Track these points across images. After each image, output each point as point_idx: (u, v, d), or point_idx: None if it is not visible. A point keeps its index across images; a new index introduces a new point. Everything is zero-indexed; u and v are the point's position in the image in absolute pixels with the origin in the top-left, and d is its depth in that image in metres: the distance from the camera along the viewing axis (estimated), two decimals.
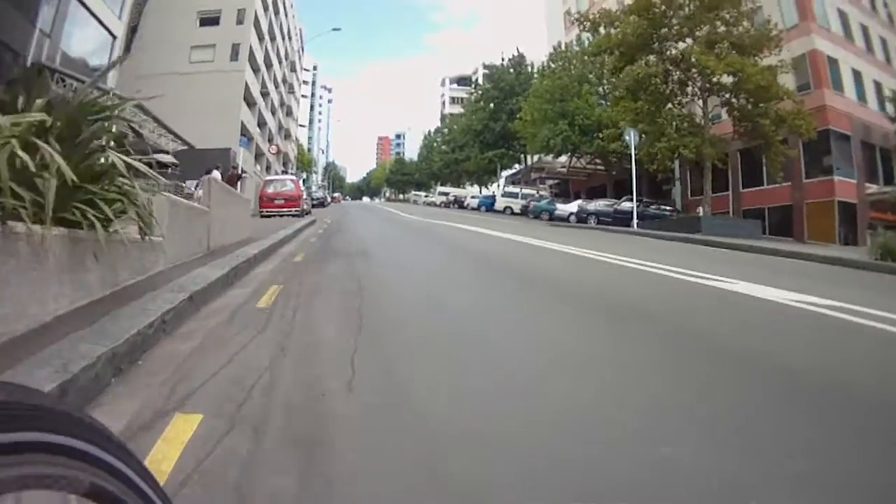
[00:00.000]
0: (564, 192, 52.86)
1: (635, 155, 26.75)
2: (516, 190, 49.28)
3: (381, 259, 11.14)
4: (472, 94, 61.90)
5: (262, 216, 26.54)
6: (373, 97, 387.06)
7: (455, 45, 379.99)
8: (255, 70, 56.09)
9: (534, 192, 48.65)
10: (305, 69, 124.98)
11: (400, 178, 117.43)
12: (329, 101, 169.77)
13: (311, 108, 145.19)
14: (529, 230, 23.74)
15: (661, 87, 28.72)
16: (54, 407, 0.84)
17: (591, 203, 35.15)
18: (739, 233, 23.57)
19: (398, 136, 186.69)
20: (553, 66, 40.55)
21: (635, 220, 26.55)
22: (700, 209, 29.81)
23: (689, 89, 28.76)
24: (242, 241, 11.81)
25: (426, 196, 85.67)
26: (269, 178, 26.28)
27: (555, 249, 14.01)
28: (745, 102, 27.46)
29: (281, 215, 26.45)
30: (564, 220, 36.09)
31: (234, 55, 51.89)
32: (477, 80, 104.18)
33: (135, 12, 26.44)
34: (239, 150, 28.37)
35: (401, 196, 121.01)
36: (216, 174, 21.46)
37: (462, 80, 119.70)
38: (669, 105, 29.10)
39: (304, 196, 36.01)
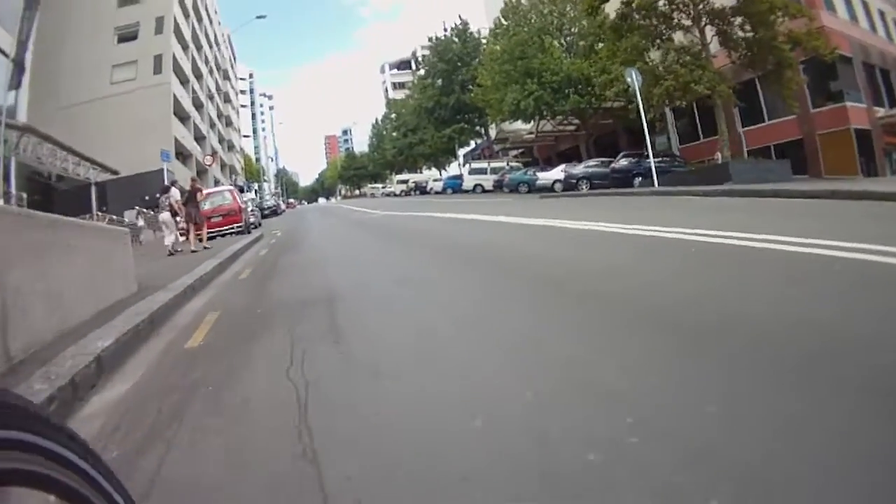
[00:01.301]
0: (532, 161, 48.51)
1: (641, 98, 22.44)
2: (484, 165, 44.93)
3: (362, 313, 5.66)
4: (417, 70, 56.99)
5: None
6: (313, 100, 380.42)
7: (385, 35, 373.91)
8: (184, 82, 50.90)
9: (503, 164, 44.27)
10: (241, 78, 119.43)
11: (353, 174, 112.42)
12: (271, 108, 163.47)
13: (253, 116, 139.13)
14: (519, 207, 20.14)
15: (649, 19, 24.43)
16: (29, 408, 0.86)
17: (577, 166, 30.86)
18: (770, 176, 19.88)
19: (345, 133, 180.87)
20: (506, 23, 35.92)
21: (654, 178, 22.25)
22: (718, 155, 25.80)
23: (678, 20, 24.44)
24: (111, 307, 6.69)
25: (383, 187, 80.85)
26: (207, 191, 21.58)
27: (585, 229, 10.07)
28: (745, 27, 23.37)
29: (221, 234, 21.99)
30: (548, 189, 31.90)
31: (158, 68, 46.78)
32: (418, 59, 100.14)
33: (20, 48, 21.57)
34: (164, 165, 23.18)
35: (356, 191, 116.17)
36: (174, 192, 17.74)
37: (402, 65, 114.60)
38: (664, 38, 24.86)
39: (251, 208, 31.18)
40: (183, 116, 48.91)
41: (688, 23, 24.44)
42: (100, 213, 29.63)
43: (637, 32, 24.93)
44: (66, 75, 43.33)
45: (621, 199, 19.31)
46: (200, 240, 17.70)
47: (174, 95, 46.35)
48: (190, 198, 17.52)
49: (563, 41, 33.89)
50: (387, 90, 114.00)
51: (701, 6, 23.65)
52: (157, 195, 18.73)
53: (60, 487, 0.83)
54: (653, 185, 22.26)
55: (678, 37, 25.42)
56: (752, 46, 23.52)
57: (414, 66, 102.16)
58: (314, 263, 10.76)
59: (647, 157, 23.20)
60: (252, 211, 33.30)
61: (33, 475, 0.79)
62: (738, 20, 23.64)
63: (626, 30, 25.24)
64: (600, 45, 32.77)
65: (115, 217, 33.77)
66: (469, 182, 43.51)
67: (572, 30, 34.25)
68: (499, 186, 39.16)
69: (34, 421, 0.84)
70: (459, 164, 68.39)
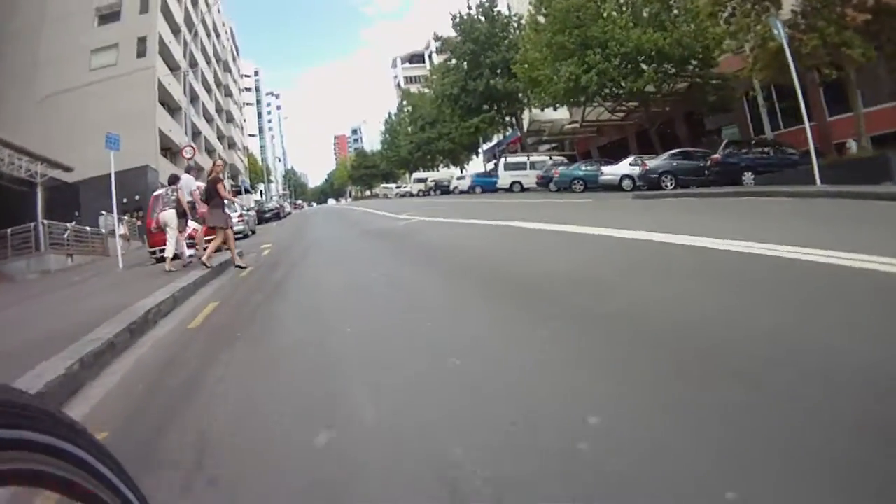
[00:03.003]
0: (570, 157, 41.36)
1: (793, 57, 15.35)
2: (522, 158, 37.57)
3: None
4: (433, 61, 49.76)
5: (157, 260, 15.11)
6: (321, 100, 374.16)
7: (391, 34, 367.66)
8: (174, 69, 43.88)
9: (543, 158, 37.11)
10: (246, 75, 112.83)
11: (364, 173, 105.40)
12: (278, 108, 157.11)
13: (259, 115, 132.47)
14: (612, 212, 13.75)
15: None
16: (41, 407, 0.85)
17: (656, 159, 23.68)
18: None
19: (354, 132, 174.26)
20: None
21: (816, 173, 15.28)
22: (851, 144, 18.92)
23: None
24: None
25: (398, 187, 73.64)
26: (157, 192, 14.70)
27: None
28: None
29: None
30: (615, 188, 24.93)
31: (142, 51, 39.94)
32: (432, 52, 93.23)
33: None
34: (111, 154, 16.17)
35: (367, 192, 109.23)
36: (187, 180, 12.63)
37: (415, 58, 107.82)
38: None
39: (238, 213, 24.03)
40: (173, 108, 42.03)
41: None
42: (45, 222, 22.76)
43: None
44: (42, 64, 36.99)
45: (768, 204, 12.39)
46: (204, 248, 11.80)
47: (160, 82, 39.43)
48: (210, 192, 11.25)
49: (623, 8, 26.64)
50: (399, 84, 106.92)
51: None
52: (166, 188, 12.95)
53: (71, 487, 0.81)
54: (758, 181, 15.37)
55: None
56: None
57: (427, 59, 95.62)
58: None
59: (769, 146, 16.14)
60: (245, 216, 26.25)
61: (42, 475, 0.76)
62: None
63: None
64: (674, 12, 25.82)
65: (85, 227, 27.58)
66: (505, 179, 36.27)
67: None
68: (544, 184, 32.06)
69: (42, 419, 0.81)
70: (483, 160, 61.49)
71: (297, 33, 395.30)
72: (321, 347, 4.27)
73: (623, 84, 25.83)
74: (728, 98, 26.94)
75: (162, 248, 14.93)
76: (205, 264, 10.69)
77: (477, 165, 62.16)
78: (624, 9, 26.10)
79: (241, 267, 10.96)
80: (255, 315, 6.02)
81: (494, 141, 58.38)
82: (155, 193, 16.27)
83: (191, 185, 12.36)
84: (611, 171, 25.78)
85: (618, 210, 14.39)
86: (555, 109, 36.99)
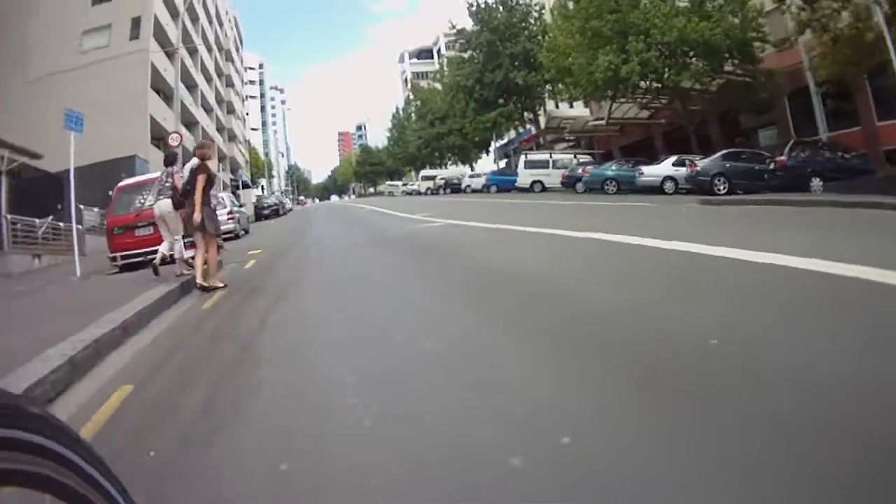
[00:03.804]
0: (590, 155, 38.36)
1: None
2: (544, 156, 34.55)
3: None
4: (456, 42, 46.57)
5: (120, 268, 12.13)
6: (326, 97, 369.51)
7: (399, 32, 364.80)
8: (171, 54, 40.73)
9: (568, 156, 34.09)
10: (251, 67, 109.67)
11: (369, 170, 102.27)
12: (283, 103, 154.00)
13: (263, 109, 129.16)
14: (684, 221, 11.31)
15: None
16: (29, 408, 0.83)
17: (706, 159, 20.62)
18: None
19: (359, 129, 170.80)
20: None
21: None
22: None
23: None
24: None
25: (404, 185, 70.39)
26: (124, 182, 11.72)
27: None
28: None
29: (145, 259, 11.70)
30: (655, 190, 22.04)
31: (136, 32, 36.90)
32: (440, 48, 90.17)
33: None
34: (72, 135, 13.09)
35: (371, 190, 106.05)
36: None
37: (423, 53, 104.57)
38: None
39: (227, 210, 20.87)
40: (168, 95, 38.87)
41: None
42: (7, 217, 19.67)
43: None
44: (32, 45, 34.03)
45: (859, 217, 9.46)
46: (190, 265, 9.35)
47: (155, 67, 36.35)
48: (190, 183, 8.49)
49: None
50: (406, 80, 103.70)
51: None
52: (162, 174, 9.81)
53: (61, 488, 0.80)
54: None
55: None
56: None
57: (436, 55, 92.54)
58: None
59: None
60: (235, 214, 22.98)
61: (33, 476, 0.76)
62: None
63: None
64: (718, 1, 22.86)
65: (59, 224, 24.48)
66: (525, 178, 33.21)
67: None
68: (570, 184, 29.06)
69: (33, 420, 0.80)
70: (495, 158, 58.38)
71: (303, 29, 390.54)
72: None
73: (668, 76, 22.77)
74: (776, 96, 23.93)
75: (126, 252, 12.02)
76: (204, 287, 8.08)
77: (486, 164, 59.16)
78: None
79: (206, 288, 8.02)
80: (182, 450, 2.89)
81: (506, 139, 55.31)
82: (121, 184, 13.28)
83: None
84: (652, 173, 22.77)
85: (702, 220, 11.40)
86: (585, 104, 34.09)
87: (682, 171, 21.61)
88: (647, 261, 6.48)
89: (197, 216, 7.91)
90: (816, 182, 17.25)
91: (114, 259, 12.21)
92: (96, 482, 0.88)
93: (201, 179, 8.13)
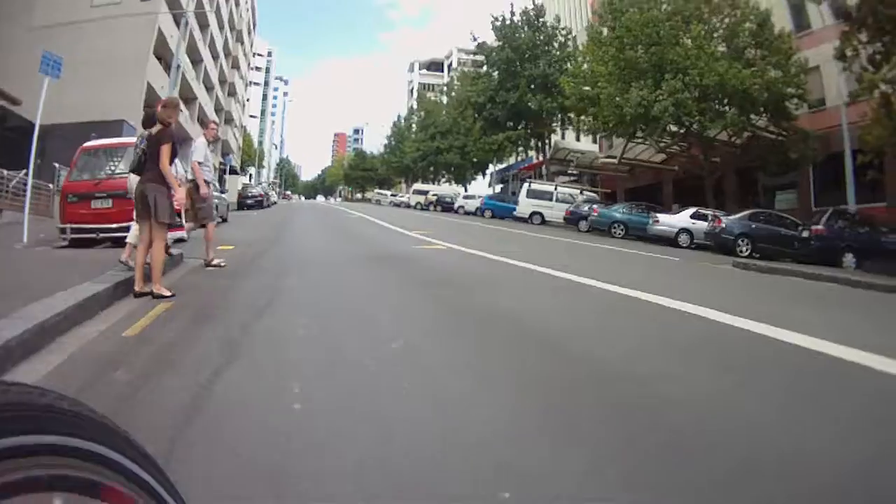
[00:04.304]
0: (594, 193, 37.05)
1: None
2: (549, 188, 33.01)
3: None
4: (475, 54, 45.21)
5: (69, 241, 10.34)
6: (328, 95, 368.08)
7: (411, 41, 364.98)
8: (179, 22, 38.93)
9: (574, 191, 32.69)
10: (259, 54, 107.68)
11: (360, 175, 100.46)
12: (285, 94, 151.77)
13: (264, 97, 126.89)
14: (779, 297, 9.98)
15: None
16: (66, 408, 0.79)
17: (732, 216, 19.28)
18: None
19: (356, 132, 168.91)
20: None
21: None
22: None
23: None
24: None
25: (392, 195, 68.67)
26: (91, 143, 9.91)
27: None
28: None
29: (104, 235, 10.26)
30: (667, 241, 20.75)
31: None
32: (451, 62, 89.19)
33: None
34: (46, 81, 11.33)
35: (359, 195, 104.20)
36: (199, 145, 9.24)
37: (433, 65, 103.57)
38: None
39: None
40: (170, 63, 37.07)
41: None
42: None
43: None
44: None
45: None
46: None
47: (160, 31, 34.51)
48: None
49: (712, 34, 22.45)
50: (412, 90, 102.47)
51: None
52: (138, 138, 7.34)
53: (114, 494, 0.76)
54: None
55: None
56: None
57: (447, 69, 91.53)
58: None
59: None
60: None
61: (85, 482, 0.72)
62: None
63: None
64: (758, 51, 21.73)
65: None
66: (525, 207, 31.64)
67: (724, 21, 22.75)
68: (573, 221, 27.63)
69: (86, 425, 0.77)
70: (491, 182, 56.97)
71: (315, 23, 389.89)
72: None
73: (703, 121, 21.47)
74: (807, 158, 22.67)
75: (77, 225, 10.26)
76: (141, 293, 6.34)
77: (480, 186, 57.79)
78: (713, 34, 21.82)
79: (143, 294, 6.27)
80: None
81: (504, 164, 53.94)
82: (86, 145, 11.50)
83: (203, 153, 8.93)
84: (667, 222, 21.42)
85: (759, 292, 9.97)
86: (607, 137, 32.77)
87: (700, 224, 20.30)
88: (739, 345, 5.04)
89: (180, 196, 6.25)
90: (849, 258, 16.03)
91: (63, 231, 10.39)
92: (147, 485, 0.83)
93: (166, 150, 6.42)
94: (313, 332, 5.01)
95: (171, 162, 6.54)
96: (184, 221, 8.65)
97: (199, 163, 8.83)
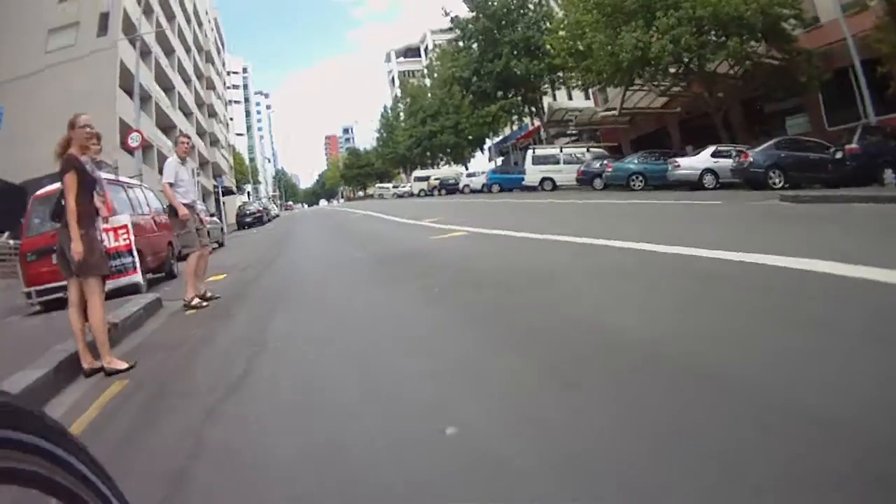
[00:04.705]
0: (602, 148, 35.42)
1: None
2: (554, 151, 31.55)
3: None
4: (450, 31, 43.47)
5: (39, 305, 9.20)
6: (310, 102, 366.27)
7: (380, 36, 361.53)
8: (145, 53, 37.42)
9: (580, 150, 31.09)
10: (234, 72, 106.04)
11: (358, 173, 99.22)
12: (268, 108, 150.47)
13: (248, 114, 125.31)
14: None
15: None
16: (23, 406, 0.82)
17: (758, 148, 17.63)
18: None
19: (346, 131, 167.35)
20: None
21: None
22: None
23: None
24: None
25: (395, 187, 67.20)
26: (43, 190, 8.47)
27: None
28: None
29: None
30: (692, 185, 19.22)
31: (104, 28, 33.69)
32: (427, 46, 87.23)
33: None
34: None
35: (360, 193, 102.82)
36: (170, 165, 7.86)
37: (409, 52, 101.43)
38: None
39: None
40: (143, 96, 35.62)
41: None
42: None
43: None
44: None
45: None
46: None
47: (125, 66, 33.04)
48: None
49: None
50: (393, 79, 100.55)
51: None
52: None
53: (57, 488, 0.79)
54: None
55: None
56: None
57: (423, 53, 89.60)
58: None
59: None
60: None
61: (28, 475, 0.74)
62: None
63: None
64: None
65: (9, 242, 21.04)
66: (534, 175, 30.18)
67: None
68: (587, 181, 26.11)
69: (28, 419, 0.79)
70: (491, 156, 55.38)
71: (282, 34, 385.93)
72: None
73: (704, 55, 19.89)
74: (815, 79, 21.03)
75: (41, 287, 8.93)
76: (92, 371, 4.93)
77: (481, 163, 56.20)
78: None
79: (94, 371, 4.87)
80: None
81: (501, 136, 52.27)
82: (39, 193, 10.12)
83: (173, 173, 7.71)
84: (689, 165, 19.82)
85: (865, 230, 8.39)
86: (602, 90, 31.17)
87: (723, 162, 18.76)
88: None
89: (76, 247, 4.75)
90: (889, 174, 14.54)
91: (28, 296, 9.01)
92: (88, 480, 0.85)
93: (71, 181, 4.94)
94: (304, 435, 2.88)
95: (86, 195, 5.08)
96: (136, 263, 7.27)
97: (171, 184, 7.53)
